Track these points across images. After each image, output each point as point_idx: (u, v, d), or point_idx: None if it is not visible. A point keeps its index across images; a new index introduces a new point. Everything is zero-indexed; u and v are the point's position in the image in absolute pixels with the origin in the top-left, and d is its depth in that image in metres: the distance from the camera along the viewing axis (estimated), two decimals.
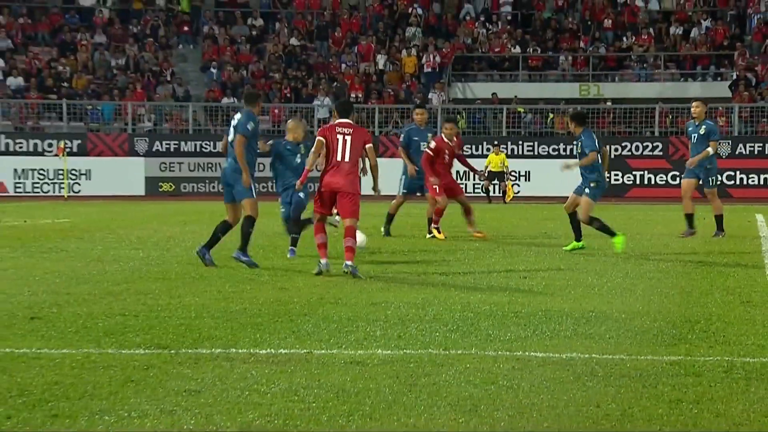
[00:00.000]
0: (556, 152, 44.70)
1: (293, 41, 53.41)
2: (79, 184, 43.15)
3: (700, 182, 22.96)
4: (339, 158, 16.46)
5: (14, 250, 19.63)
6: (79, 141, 44.96)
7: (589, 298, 13.83)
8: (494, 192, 41.16)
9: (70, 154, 42.91)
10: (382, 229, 22.72)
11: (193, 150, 45.35)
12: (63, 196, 41.62)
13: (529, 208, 36.26)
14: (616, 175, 43.63)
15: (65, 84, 49.99)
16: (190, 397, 8.38)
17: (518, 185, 43.26)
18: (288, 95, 50.18)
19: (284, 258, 18.25)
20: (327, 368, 9.46)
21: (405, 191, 23.00)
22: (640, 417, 7.92)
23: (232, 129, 17.07)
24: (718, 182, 23.57)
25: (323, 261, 16.22)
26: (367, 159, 17.26)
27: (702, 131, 22.92)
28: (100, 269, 16.72)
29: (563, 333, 11.25)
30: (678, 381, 9.05)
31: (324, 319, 12.03)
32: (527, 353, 10.13)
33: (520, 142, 45.56)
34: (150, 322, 11.79)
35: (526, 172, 44.04)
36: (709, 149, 22.70)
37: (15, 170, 43.47)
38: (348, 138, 16.51)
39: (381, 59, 52.47)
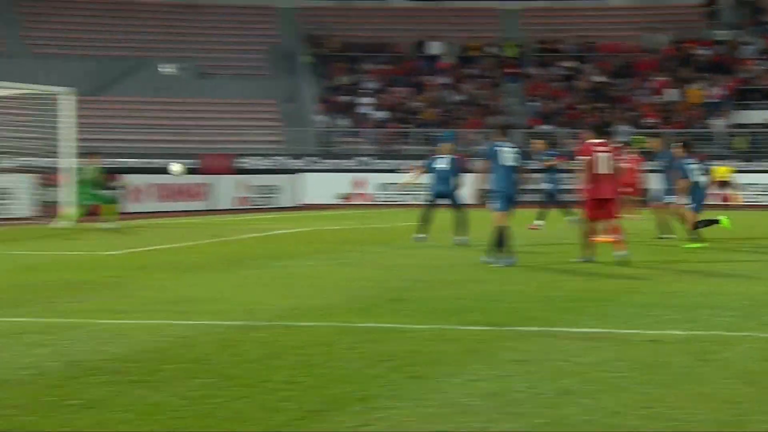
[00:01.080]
0: None
1: (599, 78, 52.75)
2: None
3: None
4: (599, 171, 16.47)
5: (379, 247, 20.08)
6: (424, 161, 45.57)
7: None
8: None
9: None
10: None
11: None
12: (413, 204, 42.32)
13: None
14: None
15: (417, 116, 50.91)
16: (518, 365, 8.35)
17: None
18: (592, 122, 49.60)
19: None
20: (629, 345, 9.27)
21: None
22: None
23: (513, 157, 16.42)
24: None
25: (623, 252, 16.34)
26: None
27: None
28: (445, 263, 16.88)
29: None
30: None
31: (624, 305, 11.81)
32: None
33: None
34: (485, 304, 11.82)
35: None
36: None
37: (379, 184, 44.46)
38: (604, 155, 16.56)
39: (672, 92, 51.24)
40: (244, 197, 39.97)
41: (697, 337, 9.63)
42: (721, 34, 54.49)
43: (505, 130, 17.33)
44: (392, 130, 49.79)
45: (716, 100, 50.03)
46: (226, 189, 39.27)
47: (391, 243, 20.90)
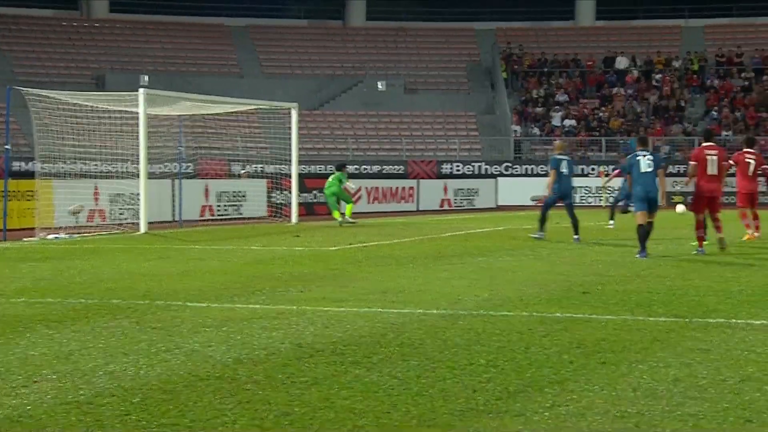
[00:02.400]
0: None
1: None
2: (613, 197, 42.82)
3: None
4: (710, 172, 17.24)
5: (569, 244, 19.83)
6: (613, 165, 44.69)
7: None
8: None
9: (606, 174, 42.80)
10: None
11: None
12: (602, 205, 41.59)
13: None
14: None
15: (605, 125, 50.05)
16: (701, 353, 8.12)
17: None
18: None
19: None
20: None
21: None
22: None
23: (651, 163, 16.81)
24: None
25: (701, 248, 17.11)
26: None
27: None
28: (631, 259, 16.49)
29: None
30: None
31: None
32: None
33: None
34: (669, 297, 11.53)
35: None
36: None
37: None
38: (714, 158, 17.30)
39: None
40: (447, 199, 40.16)
41: None
42: None
43: (645, 141, 17.85)
44: (581, 138, 49.11)
45: None
46: (431, 192, 39.54)
47: (582, 240, 20.58)
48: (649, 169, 16.83)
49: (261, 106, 31.09)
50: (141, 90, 24.32)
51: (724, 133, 47.62)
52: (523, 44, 55.74)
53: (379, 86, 53.22)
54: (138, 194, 24.40)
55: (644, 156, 16.93)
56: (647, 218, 16.80)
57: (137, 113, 23.92)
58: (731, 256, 16.65)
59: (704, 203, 17.38)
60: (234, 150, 34.24)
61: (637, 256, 16.57)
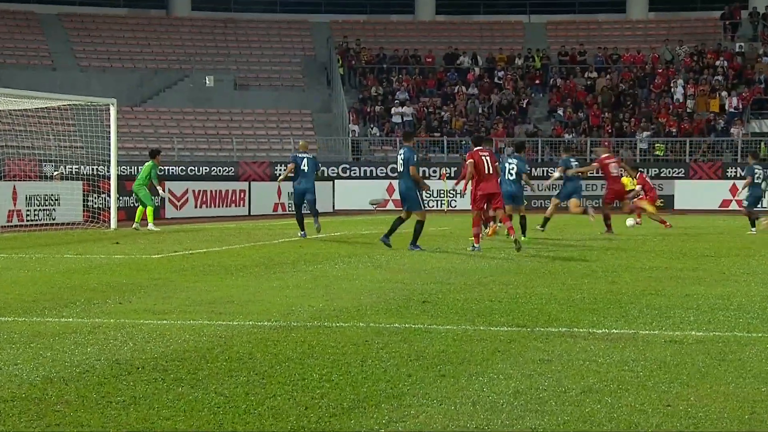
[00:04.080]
0: None
1: (621, 87, 52.59)
2: (456, 201, 43.65)
3: None
4: (486, 172, 19.19)
5: (408, 250, 20.01)
6: (455, 168, 45.53)
7: None
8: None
9: (448, 177, 43.57)
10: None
11: (542, 174, 45.25)
12: (443, 210, 42.30)
13: None
14: None
15: (446, 125, 50.87)
16: (543, 364, 8.34)
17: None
18: (609, 131, 49.60)
19: (615, 257, 17.99)
20: (650, 345, 9.23)
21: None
22: None
23: (403, 163, 19.06)
24: None
25: (477, 245, 19.05)
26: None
27: None
28: (473, 266, 16.88)
29: None
30: None
31: (647, 307, 11.75)
32: None
33: None
34: (511, 306, 11.80)
35: None
36: None
37: None
38: (488, 158, 19.27)
39: (690, 102, 50.99)
40: (281, 203, 40.06)
41: (715, 338, 9.59)
42: (739, 46, 54.19)
43: (409, 136, 20.33)
44: (422, 138, 49.74)
45: (733, 110, 49.77)
46: (264, 195, 39.37)
47: (422, 246, 20.82)
48: (401, 169, 19.16)
49: (76, 102, 30.35)
50: None
51: (566, 136, 49.02)
52: (361, 39, 56.14)
53: (207, 81, 52.69)
54: None
55: (400, 155, 19.28)
56: (420, 216, 19.29)
57: None
58: (574, 262, 17.14)
59: (483, 201, 19.27)
60: (46, 149, 33.31)
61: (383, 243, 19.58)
